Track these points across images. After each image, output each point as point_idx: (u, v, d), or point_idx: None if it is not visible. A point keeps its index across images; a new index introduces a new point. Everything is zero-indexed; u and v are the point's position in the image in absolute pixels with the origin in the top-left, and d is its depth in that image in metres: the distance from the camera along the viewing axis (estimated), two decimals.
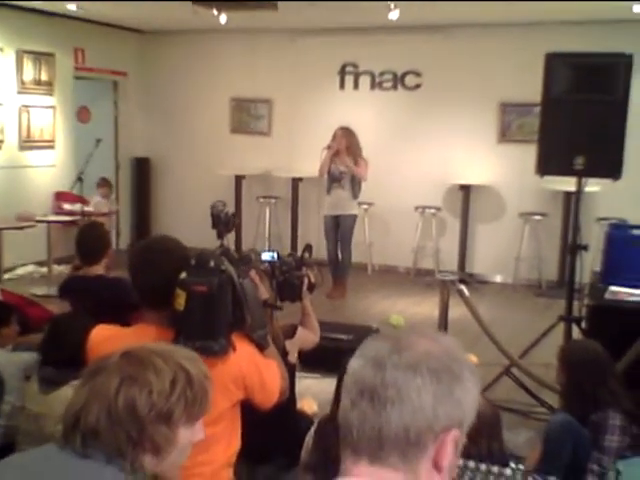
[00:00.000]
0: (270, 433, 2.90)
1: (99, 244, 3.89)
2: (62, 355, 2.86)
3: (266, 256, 2.94)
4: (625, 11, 7.14)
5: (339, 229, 7.88)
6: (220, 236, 2.58)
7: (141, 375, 1.49)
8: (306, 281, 3.09)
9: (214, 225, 2.59)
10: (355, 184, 7.75)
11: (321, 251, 7.95)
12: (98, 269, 3.83)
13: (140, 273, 2.24)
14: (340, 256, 7.94)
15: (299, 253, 3.20)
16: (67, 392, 2.82)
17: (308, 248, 3.24)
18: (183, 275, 2.13)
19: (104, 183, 9.26)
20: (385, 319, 6.77)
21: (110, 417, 1.45)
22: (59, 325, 3.01)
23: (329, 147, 7.70)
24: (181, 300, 2.10)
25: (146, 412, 1.47)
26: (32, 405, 2.86)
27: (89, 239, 3.89)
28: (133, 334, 2.25)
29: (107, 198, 9.21)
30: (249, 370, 2.24)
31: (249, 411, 2.36)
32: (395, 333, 1.15)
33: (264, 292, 2.55)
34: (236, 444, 2.36)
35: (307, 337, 3.25)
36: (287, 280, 3.01)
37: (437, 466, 1.09)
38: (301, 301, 3.14)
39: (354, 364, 1.11)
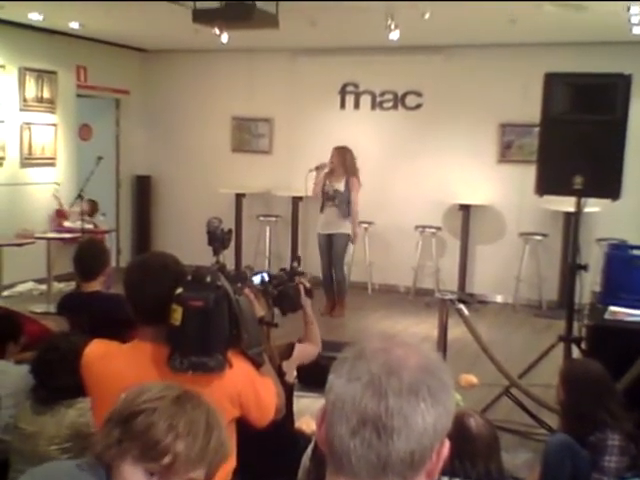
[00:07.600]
0: (267, 452, 2.87)
1: (97, 261, 3.91)
2: (55, 381, 2.84)
3: (256, 279, 2.88)
4: (624, 33, 7.18)
5: (332, 248, 7.88)
6: (216, 253, 2.57)
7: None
8: (302, 288, 3.09)
9: (210, 242, 2.58)
10: (348, 203, 7.80)
11: (318, 269, 7.96)
12: (95, 285, 3.85)
13: (136, 289, 2.22)
14: (334, 275, 7.92)
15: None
16: (61, 412, 2.80)
17: (297, 258, 3.31)
18: (179, 290, 2.12)
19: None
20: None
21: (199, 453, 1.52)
22: (51, 350, 2.97)
23: (317, 168, 7.78)
24: (177, 315, 2.08)
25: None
26: (25, 424, 2.83)
27: (87, 255, 3.91)
28: (128, 351, 2.24)
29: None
30: (245, 387, 2.22)
31: (245, 430, 2.34)
32: (374, 345, 1.10)
33: (260, 309, 2.53)
34: (231, 463, 2.33)
35: (306, 350, 3.22)
36: (283, 292, 3.01)
37: (430, 475, 1.08)
38: (302, 309, 3.13)
39: (347, 389, 1.06)
